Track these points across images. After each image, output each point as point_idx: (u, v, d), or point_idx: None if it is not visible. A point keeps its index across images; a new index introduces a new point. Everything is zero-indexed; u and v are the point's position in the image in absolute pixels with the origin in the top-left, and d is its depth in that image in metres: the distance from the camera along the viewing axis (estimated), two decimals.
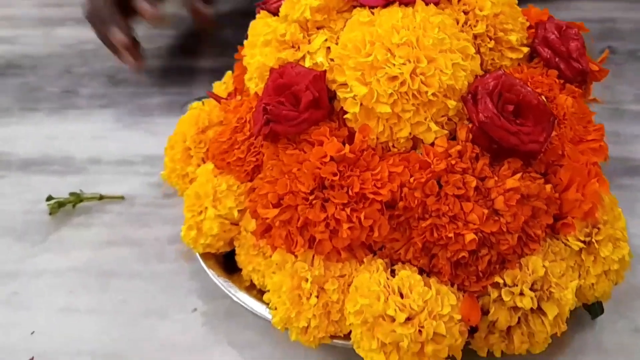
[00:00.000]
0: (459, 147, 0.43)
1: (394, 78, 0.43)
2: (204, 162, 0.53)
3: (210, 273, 0.50)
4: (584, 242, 0.45)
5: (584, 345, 0.48)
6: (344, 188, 0.43)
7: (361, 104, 0.44)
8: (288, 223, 0.44)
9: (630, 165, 0.65)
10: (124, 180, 0.66)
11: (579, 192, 0.44)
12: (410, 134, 0.44)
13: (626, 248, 0.45)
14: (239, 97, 0.54)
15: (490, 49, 0.48)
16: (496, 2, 0.48)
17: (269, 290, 0.46)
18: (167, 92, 0.80)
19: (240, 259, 0.50)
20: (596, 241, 0.45)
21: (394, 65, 0.43)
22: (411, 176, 0.43)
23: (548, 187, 0.44)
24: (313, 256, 0.44)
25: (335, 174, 0.43)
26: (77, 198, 0.63)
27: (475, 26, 0.47)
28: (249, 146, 0.49)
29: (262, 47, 0.49)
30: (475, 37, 0.47)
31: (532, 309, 0.43)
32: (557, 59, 0.50)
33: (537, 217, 0.43)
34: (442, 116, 0.44)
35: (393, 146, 0.45)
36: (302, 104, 0.44)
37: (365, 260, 0.44)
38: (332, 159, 0.43)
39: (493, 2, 0.47)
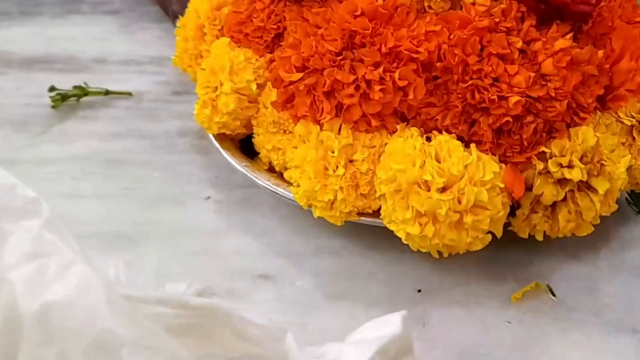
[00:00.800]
0: (503, 5, 0.40)
1: None
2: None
3: (227, 155, 0.47)
4: (635, 118, 0.41)
5: (630, 238, 0.45)
6: (376, 45, 0.39)
7: None
8: (313, 88, 0.40)
9: None
10: (130, 79, 0.63)
11: (632, 62, 0.40)
12: None
13: None
14: None
15: None
16: None
17: (289, 168, 0.43)
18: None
19: (259, 139, 0.46)
20: None
21: None
22: (451, 35, 0.39)
23: (600, 52, 0.40)
24: (340, 125, 0.41)
25: (367, 29, 0.39)
26: (82, 91, 0.59)
27: None
28: (269, 14, 0.45)
29: None
30: None
31: (580, 184, 0.39)
32: None
33: (588, 84, 0.40)
34: None
35: (429, 7, 0.41)
36: None
37: (398, 128, 0.40)
38: (363, 13, 0.39)
39: None
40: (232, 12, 0.47)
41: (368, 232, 0.44)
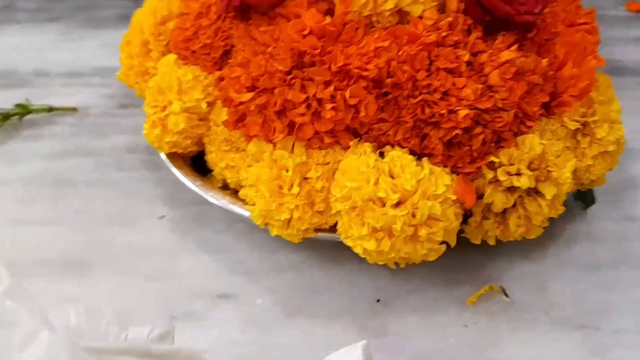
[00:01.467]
0: (449, 19, 0.40)
1: None
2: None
3: (179, 174, 0.46)
4: (579, 122, 0.42)
5: (576, 234, 0.46)
6: (325, 64, 0.39)
7: None
8: (264, 108, 0.40)
9: (613, 66, 0.63)
10: (74, 92, 0.61)
11: (575, 69, 0.41)
12: (395, 6, 0.40)
13: (621, 130, 0.43)
14: None
15: None
16: None
17: (244, 187, 0.43)
18: (119, 5, 0.74)
19: (211, 157, 0.46)
20: (592, 122, 0.42)
21: None
22: (399, 51, 0.39)
23: (544, 61, 0.41)
24: (293, 143, 0.40)
25: (315, 48, 0.39)
26: (24, 109, 0.57)
27: None
28: (216, 30, 0.44)
29: None
30: None
31: (528, 190, 0.40)
32: None
33: (533, 93, 0.40)
34: None
35: (377, 21, 0.41)
36: None
37: (351, 144, 0.40)
38: (312, 32, 0.39)
39: None
40: (177, 29, 0.46)
41: (326, 246, 0.44)
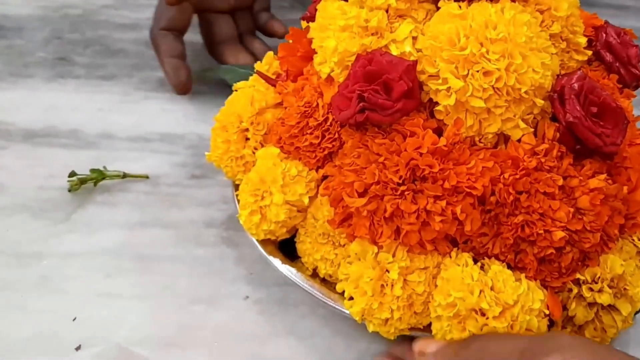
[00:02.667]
0: (545, 146, 0.44)
1: (489, 73, 0.43)
2: (262, 145, 0.51)
3: (273, 260, 0.49)
4: None
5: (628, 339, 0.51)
6: (438, 180, 0.42)
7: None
8: (374, 213, 0.43)
9: None
10: (142, 158, 0.63)
11: None
12: (498, 130, 0.44)
13: None
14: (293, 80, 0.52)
15: (562, 50, 0.49)
16: (570, 3, 0.49)
17: (339, 280, 0.46)
18: None
19: (305, 247, 0.48)
20: None
21: (490, 60, 0.43)
22: (502, 173, 0.43)
23: (625, 188, 0.45)
24: (396, 247, 0.44)
25: (432, 166, 0.42)
26: (100, 175, 0.58)
27: (550, 26, 0.48)
28: (323, 132, 0.47)
29: (339, 31, 0.47)
30: (550, 36, 0.48)
31: (606, 305, 0.44)
32: (617, 64, 0.51)
33: (614, 216, 0.45)
34: (529, 114, 0.45)
35: (480, 141, 0.45)
36: (395, 94, 0.43)
37: (452, 254, 0.44)
38: (428, 150, 0.43)
39: (569, 3, 0.48)
40: (283, 123, 0.49)
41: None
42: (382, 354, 0.48)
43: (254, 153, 0.51)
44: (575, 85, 0.45)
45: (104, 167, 0.59)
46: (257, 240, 0.50)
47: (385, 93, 0.44)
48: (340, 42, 0.46)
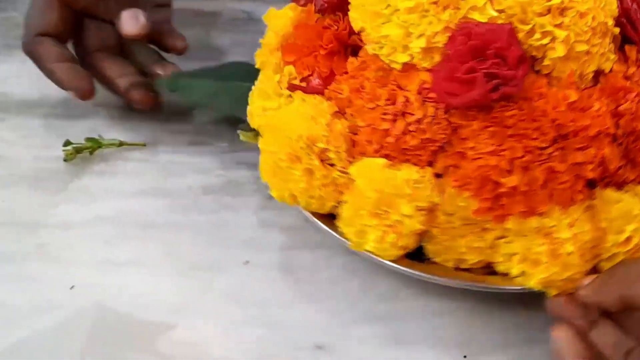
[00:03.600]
0: (634, 68, 0.44)
1: (584, 15, 0.42)
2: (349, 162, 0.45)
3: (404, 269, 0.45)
4: None
5: None
6: (580, 132, 0.42)
7: None
8: (529, 185, 0.41)
9: None
10: (139, 126, 0.61)
11: None
12: (597, 67, 0.44)
13: None
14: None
15: None
16: None
17: (497, 262, 0.44)
18: None
19: (438, 246, 0.45)
20: None
21: (579, 2, 0.42)
22: (618, 105, 0.43)
23: None
24: (551, 209, 0.42)
25: (575, 120, 0.42)
26: (95, 143, 0.57)
27: None
28: (427, 125, 0.43)
29: (406, 14, 0.43)
30: None
31: None
32: None
33: None
34: (610, 43, 0.44)
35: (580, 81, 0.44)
36: (511, 61, 0.41)
37: (597, 194, 0.44)
38: (567, 107, 0.42)
39: None
40: (373, 130, 0.44)
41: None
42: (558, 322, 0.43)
43: (344, 173, 0.45)
44: (635, 6, 0.45)
45: (99, 136, 0.58)
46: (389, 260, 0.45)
47: (504, 64, 0.42)
48: (417, 26, 0.43)
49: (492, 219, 0.43)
